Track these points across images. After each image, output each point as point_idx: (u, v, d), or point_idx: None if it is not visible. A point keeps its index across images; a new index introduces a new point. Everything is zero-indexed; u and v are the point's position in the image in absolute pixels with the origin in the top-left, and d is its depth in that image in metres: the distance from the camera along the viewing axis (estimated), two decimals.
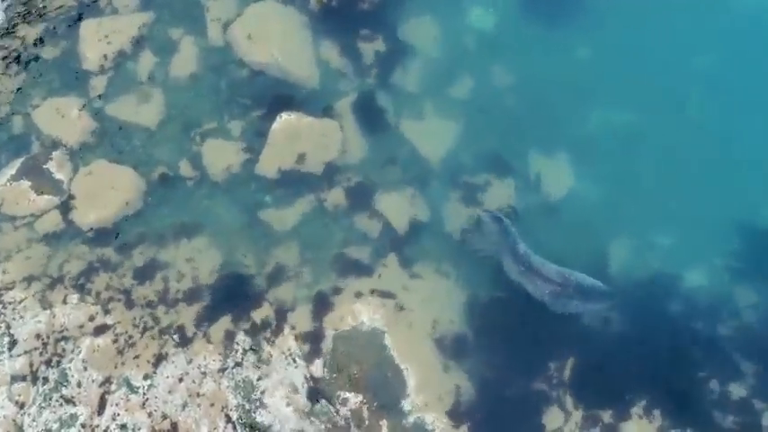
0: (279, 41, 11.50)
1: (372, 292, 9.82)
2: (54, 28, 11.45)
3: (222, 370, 9.12)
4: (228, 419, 8.80)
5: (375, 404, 8.90)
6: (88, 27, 11.44)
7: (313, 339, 9.43)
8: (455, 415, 9.05)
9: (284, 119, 10.87)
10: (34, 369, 9.15)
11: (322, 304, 9.77)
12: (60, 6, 11.62)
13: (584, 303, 9.35)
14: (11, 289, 9.62)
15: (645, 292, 10.16)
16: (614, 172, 11.17)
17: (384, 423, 8.83)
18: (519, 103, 11.58)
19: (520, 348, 9.61)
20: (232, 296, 9.84)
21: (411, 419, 8.92)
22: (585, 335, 9.67)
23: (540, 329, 9.76)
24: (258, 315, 9.64)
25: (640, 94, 11.62)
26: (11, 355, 9.15)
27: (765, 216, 10.77)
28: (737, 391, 9.09)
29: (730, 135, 11.27)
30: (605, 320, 9.84)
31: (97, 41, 11.38)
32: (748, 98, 11.51)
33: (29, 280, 9.73)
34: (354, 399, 8.90)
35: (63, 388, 8.95)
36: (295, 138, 10.85)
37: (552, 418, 9.04)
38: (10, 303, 9.51)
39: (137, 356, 9.24)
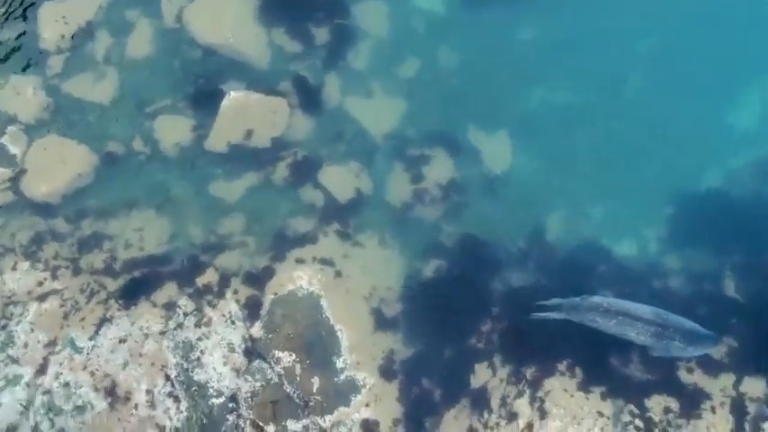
0: (232, 23, 11.86)
1: (313, 259, 10.18)
2: (11, 9, 11.83)
3: (164, 332, 9.47)
4: (167, 378, 9.14)
5: (308, 362, 9.25)
6: (46, 8, 11.82)
7: (253, 303, 9.78)
8: (387, 373, 9.40)
9: (233, 96, 11.25)
10: None
11: (264, 271, 10.13)
12: None
13: (687, 346, 8.95)
14: None
15: (576, 259, 10.54)
16: (553, 148, 11.54)
17: (315, 380, 9.17)
18: (463, 83, 11.97)
19: (454, 312, 9.95)
20: (178, 263, 10.22)
21: (342, 377, 9.27)
22: (516, 299, 10.02)
23: (473, 295, 10.12)
24: (202, 281, 10.00)
25: (581, 74, 11.99)
26: None
27: (693, 189, 11.14)
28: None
29: (665, 113, 11.62)
30: (535, 285, 10.20)
31: (54, 22, 11.76)
32: (685, 79, 11.87)
33: None
34: (288, 357, 9.24)
35: (9, 349, 9.28)
36: (244, 114, 11.22)
37: (480, 375, 9.39)
38: None
39: (82, 319, 9.58)
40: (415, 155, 11.36)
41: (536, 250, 10.74)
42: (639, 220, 11.05)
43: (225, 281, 10.02)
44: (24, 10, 11.84)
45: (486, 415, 9.02)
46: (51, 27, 11.72)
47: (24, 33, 11.69)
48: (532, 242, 10.82)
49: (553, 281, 10.37)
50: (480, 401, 9.17)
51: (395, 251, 10.53)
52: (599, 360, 9.33)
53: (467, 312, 10.01)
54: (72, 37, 11.73)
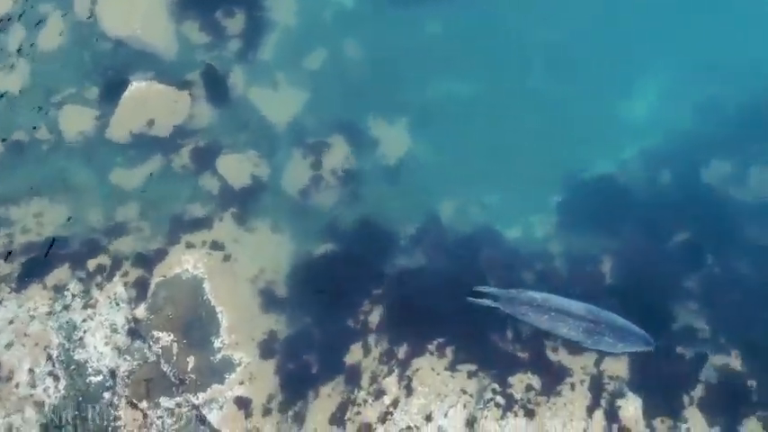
0: (141, 16, 12.15)
1: (203, 243, 10.45)
2: None
3: (51, 313, 9.74)
4: (49, 357, 9.41)
5: (185, 342, 9.51)
6: None
7: (140, 286, 10.05)
8: (265, 352, 9.66)
9: (135, 87, 11.54)
10: None
11: (155, 255, 10.40)
12: None
13: (617, 342, 9.09)
14: None
15: (465, 243, 10.80)
16: (451, 137, 11.80)
17: (191, 359, 9.45)
18: (367, 74, 12.22)
19: (339, 294, 10.20)
20: (73, 248, 10.50)
21: (219, 356, 9.54)
22: (400, 281, 10.29)
23: (361, 278, 10.38)
24: (93, 264, 10.27)
25: (482, 67, 12.26)
26: None
27: (585, 177, 11.41)
28: (525, 329, 9.69)
29: (561, 105, 11.88)
30: (425, 269, 10.47)
31: None
32: (582, 72, 12.11)
33: None
34: (166, 337, 9.51)
35: None
36: (145, 104, 11.50)
37: (355, 354, 9.64)
38: None
39: None
40: (315, 143, 11.62)
41: (428, 235, 10.99)
42: (531, 207, 11.31)
43: (116, 264, 10.29)
44: None
45: (356, 392, 9.27)
46: None
47: None
48: (425, 228, 11.06)
49: (442, 265, 10.62)
50: (352, 379, 9.43)
51: (287, 236, 10.80)
52: (470, 340, 9.55)
53: (352, 294, 10.26)
54: None
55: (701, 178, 11.26)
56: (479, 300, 9.69)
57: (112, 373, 9.32)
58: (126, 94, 11.48)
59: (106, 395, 9.20)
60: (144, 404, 9.11)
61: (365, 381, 9.35)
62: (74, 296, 9.88)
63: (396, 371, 9.30)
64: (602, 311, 9.31)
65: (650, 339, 9.11)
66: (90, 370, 9.33)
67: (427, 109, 12.03)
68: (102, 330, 9.57)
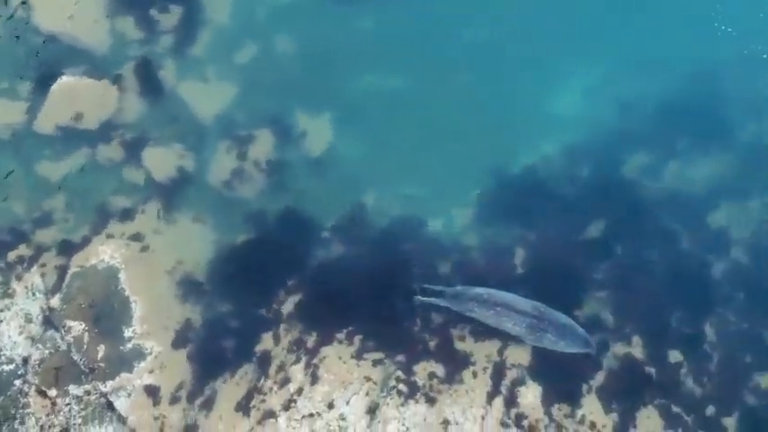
0: (74, 12, 12.28)
1: (122, 234, 10.59)
2: None
3: None
4: None
5: (96, 331, 9.65)
6: None
7: (57, 276, 10.19)
8: (177, 342, 9.82)
9: (63, 81, 11.67)
10: None
11: (76, 245, 10.55)
12: None
13: (559, 340, 9.18)
14: None
15: (386, 235, 10.95)
16: (377, 131, 11.94)
17: (102, 347, 9.59)
18: (297, 69, 12.36)
19: (255, 285, 10.36)
20: None
21: (130, 345, 9.68)
22: (318, 271, 10.45)
23: (280, 268, 10.54)
24: (14, 255, 10.41)
25: (411, 62, 12.38)
26: None
27: (506, 171, 11.56)
28: (437, 319, 9.84)
29: (486, 100, 12.05)
30: (340, 259, 10.63)
31: None
32: (508, 67, 12.28)
33: None
34: (78, 327, 9.65)
35: None
36: (73, 98, 11.63)
37: (265, 343, 9.80)
38: None
39: None
40: (241, 136, 11.75)
41: (350, 227, 11.13)
42: (454, 199, 11.44)
43: (37, 255, 10.44)
44: None
45: (263, 380, 9.42)
46: None
47: None
48: (347, 220, 11.21)
49: (363, 256, 10.76)
50: (261, 368, 9.57)
51: (208, 227, 10.95)
52: (379, 329, 9.70)
53: (269, 285, 10.41)
54: None
55: (618, 172, 11.42)
56: (428, 298, 9.75)
57: (25, 362, 9.45)
58: (54, 87, 11.60)
59: (17, 383, 9.34)
60: (53, 392, 9.25)
61: (273, 369, 9.49)
62: None
63: (303, 359, 9.44)
64: (548, 309, 9.39)
65: (591, 342, 9.21)
66: (3, 358, 9.47)
67: (354, 103, 12.16)
68: (17, 320, 9.71)
